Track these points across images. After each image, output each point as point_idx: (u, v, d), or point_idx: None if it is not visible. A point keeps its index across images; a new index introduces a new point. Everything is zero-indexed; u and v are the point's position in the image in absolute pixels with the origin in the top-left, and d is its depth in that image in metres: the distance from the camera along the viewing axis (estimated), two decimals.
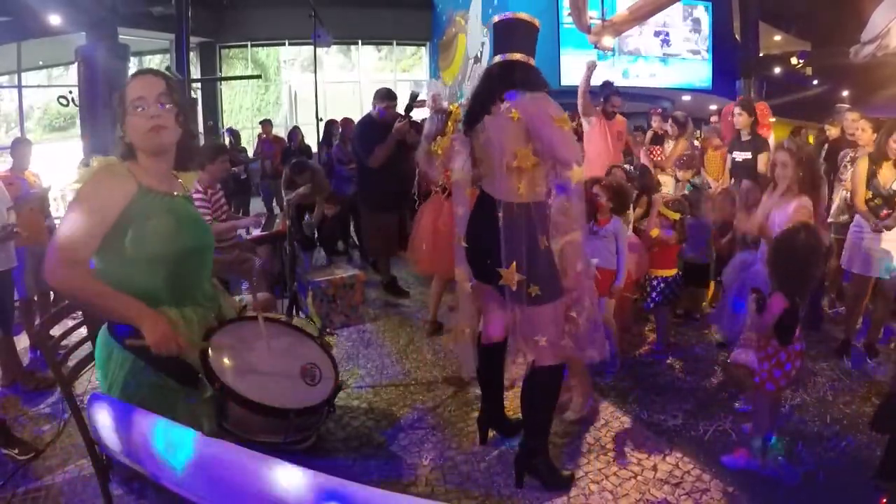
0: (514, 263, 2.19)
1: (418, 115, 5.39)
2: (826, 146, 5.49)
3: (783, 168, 2.97)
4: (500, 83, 2.31)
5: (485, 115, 2.32)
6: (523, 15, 2.34)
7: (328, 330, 3.76)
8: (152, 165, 1.73)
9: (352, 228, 6.60)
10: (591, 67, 5.12)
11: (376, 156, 4.58)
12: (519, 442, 2.48)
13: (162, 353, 1.58)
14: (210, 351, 1.60)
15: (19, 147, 4.29)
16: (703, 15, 11.52)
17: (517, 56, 2.31)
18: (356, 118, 5.74)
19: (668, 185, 5.89)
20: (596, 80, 5.46)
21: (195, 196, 3.83)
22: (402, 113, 4.69)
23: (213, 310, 1.87)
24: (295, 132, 8.77)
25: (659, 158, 6.20)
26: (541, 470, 2.39)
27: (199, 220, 1.85)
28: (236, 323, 1.83)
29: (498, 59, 2.35)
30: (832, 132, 5.36)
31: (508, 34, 2.37)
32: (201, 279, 1.83)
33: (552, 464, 2.44)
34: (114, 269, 1.63)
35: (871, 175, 3.51)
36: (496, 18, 2.39)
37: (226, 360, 1.65)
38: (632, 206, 3.98)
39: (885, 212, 3.46)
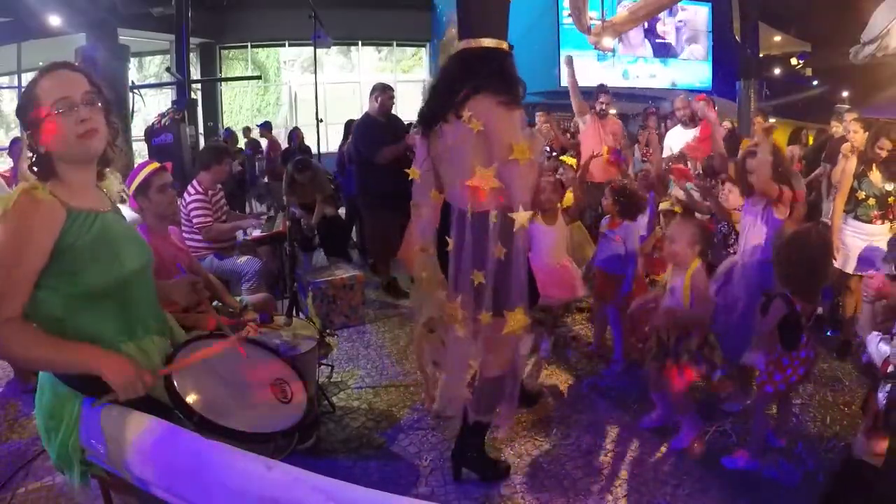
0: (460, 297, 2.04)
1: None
2: (828, 145, 5.50)
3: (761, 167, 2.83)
4: (462, 80, 1.97)
5: (442, 121, 2.05)
6: None
7: (328, 331, 3.75)
8: (77, 179, 1.48)
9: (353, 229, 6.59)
10: (568, 63, 5.36)
11: (384, 155, 4.61)
12: (457, 438, 2.48)
13: (131, 397, 1.38)
14: (175, 381, 1.44)
15: (16, 148, 4.38)
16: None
17: (486, 42, 1.95)
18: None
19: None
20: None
21: (194, 196, 3.84)
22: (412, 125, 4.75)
23: (166, 333, 1.69)
24: (295, 133, 8.82)
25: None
26: (477, 463, 2.43)
27: (135, 236, 1.65)
28: (191, 344, 1.64)
29: (462, 45, 1.99)
30: (838, 130, 5.36)
31: (476, 7, 1.98)
32: (149, 301, 1.64)
33: (488, 457, 2.48)
34: (49, 314, 1.41)
35: (862, 175, 3.52)
36: None
37: (193, 389, 1.47)
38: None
39: (876, 212, 3.47)
